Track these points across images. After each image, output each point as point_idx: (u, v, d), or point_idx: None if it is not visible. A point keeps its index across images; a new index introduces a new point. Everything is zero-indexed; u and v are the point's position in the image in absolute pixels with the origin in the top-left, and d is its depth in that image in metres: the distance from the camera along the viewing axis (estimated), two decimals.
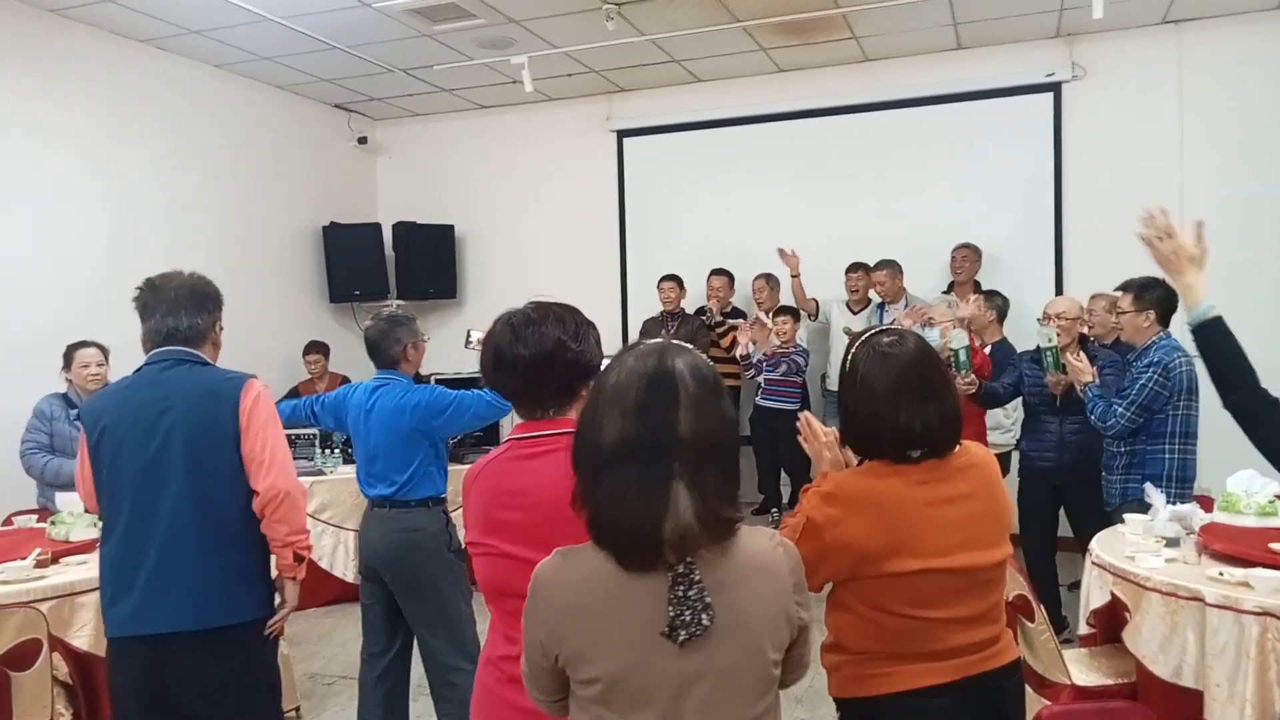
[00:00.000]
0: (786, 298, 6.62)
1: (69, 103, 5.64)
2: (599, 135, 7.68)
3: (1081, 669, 3.11)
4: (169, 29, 5.88)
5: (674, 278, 6.84)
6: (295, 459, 2.74)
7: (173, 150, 6.35)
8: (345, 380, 6.90)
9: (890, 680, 1.82)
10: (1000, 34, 6.38)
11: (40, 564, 3.18)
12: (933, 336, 5.10)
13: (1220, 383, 2.20)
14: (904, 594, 1.80)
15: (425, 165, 8.24)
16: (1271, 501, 3.25)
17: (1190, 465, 3.85)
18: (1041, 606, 3.01)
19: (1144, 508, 3.52)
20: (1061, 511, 4.61)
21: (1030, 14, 6.03)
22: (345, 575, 5.57)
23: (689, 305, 6.92)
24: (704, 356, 1.45)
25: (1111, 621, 3.10)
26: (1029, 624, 2.96)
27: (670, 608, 1.32)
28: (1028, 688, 2.58)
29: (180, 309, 2.51)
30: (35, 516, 4.12)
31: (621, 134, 7.66)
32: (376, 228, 7.84)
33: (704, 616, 1.32)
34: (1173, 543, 3.11)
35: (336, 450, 5.96)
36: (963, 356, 4.57)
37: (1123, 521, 3.48)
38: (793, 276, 6.50)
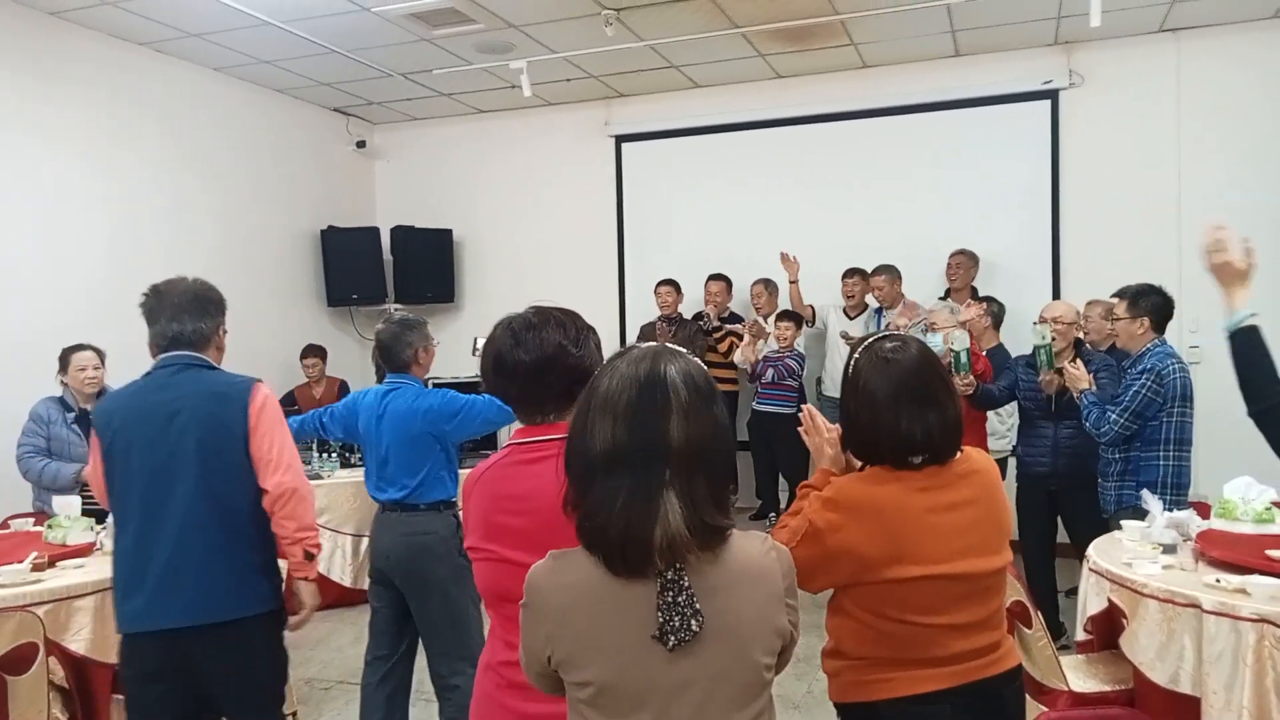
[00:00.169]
0: (784, 303, 6.63)
1: (68, 105, 5.64)
2: (597, 140, 7.69)
3: (1079, 675, 3.11)
4: (168, 32, 5.88)
5: (671, 282, 6.85)
6: None
7: (172, 153, 6.35)
8: (343, 384, 6.90)
9: (890, 686, 1.82)
10: (998, 41, 6.40)
11: (37, 567, 3.16)
12: (935, 342, 5.11)
13: (1247, 390, 2.22)
14: (905, 600, 1.80)
15: (424, 169, 8.24)
16: (1268, 508, 3.26)
17: (1185, 472, 3.86)
18: (1039, 613, 3.01)
19: (1139, 514, 3.53)
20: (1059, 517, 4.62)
21: (1028, 21, 6.05)
22: (343, 579, 5.57)
23: (686, 310, 6.93)
24: (698, 361, 1.45)
25: (1109, 628, 3.10)
26: (1026, 630, 2.96)
27: (659, 613, 1.32)
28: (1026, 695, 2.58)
29: (185, 314, 2.59)
30: (32, 520, 4.11)
31: (620, 139, 7.67)
32: (375, 232, 7.84)
33: (693, 622, 1.32)
34: (1170, 549, 3.11)
35: (334, 454, 5.96)
36: (964, 358, 4.58)
37: (1119, 528, 3.49)
38: (791, 282, 6.51)
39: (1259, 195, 6.04)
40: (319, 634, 5.10)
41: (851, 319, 6.44)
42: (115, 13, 5.51)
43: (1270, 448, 2.20)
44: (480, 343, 3.88)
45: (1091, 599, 3.19)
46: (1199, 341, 6.07)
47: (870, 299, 6.40)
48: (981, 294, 5.93)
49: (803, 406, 2.21)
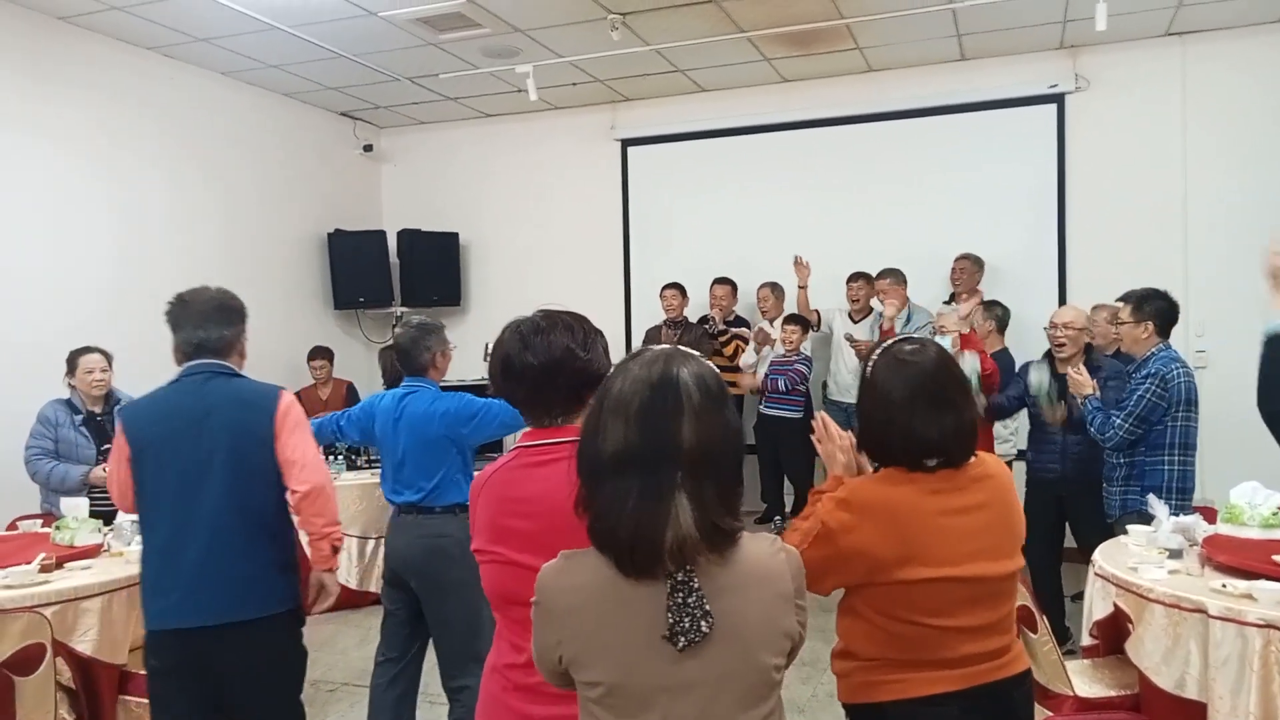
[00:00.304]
0: (790, 306, 6.63)
1: (76, 108, 5.67)
2: (603, 144, 7.70)
3: (1084, 680, 3.11)
4: (176, 36, 5.90)
5: (677, 286, 6.86)
6: None
7: (179, 157, 6.37)
8: (350, 386, 6.91)
9: (899, 687, 1.83)
10: (1004, 45, 6.40)
11: (45, 569, 3.18)
12: (943, 345, 5.11)
13: (1266, 389, 2.29)
14: (915, 602, 1.80)
15: (430, 173, 8.26)
16: (1275, 513, 3.25)
17: (1189, 476, 3.86)
18: (1044, 617, 3.01)
19: (1144, 519, 3.53)
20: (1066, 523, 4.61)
21: (1034, 25, 6.05)
22: (348, 582, 5.57)
23: (692, 313, 6.93)
24: (710, 364, 1.45)
25: (1114, 633, 3.09)
26: (1031, 635, 2.95)
27: (670, 614, 1.33)
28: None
29: (210, 321, 2.69)
30: (40, 521, 4.13)
31: (626, 143, 7.68)
32: (381, 235, 7.86)
33: (703, 623, 1.32)
34: (1176, 554, 3.11)
35: (340, 457, 5.98)
36: (975, 382, 4.57)
37: (1125, 533, 3.48)
38: (800, 287, 6.52)
39: (1265, 198, 6.02)
40: (324, 636, 5.11)
41: (856, 323, 6.44)
42: (123, 17, 5.54)
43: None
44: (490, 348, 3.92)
45: (1097, 604, 3.19)
46: (1205, 346, 6.06)
47: (875, 303, 6.39)
48: (986, 298, 5.93)
49: (816, 414, 2.21)
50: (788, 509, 6.60)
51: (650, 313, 7.22)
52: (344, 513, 5.52)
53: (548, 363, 1.77)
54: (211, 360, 2.68)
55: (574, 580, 1.40)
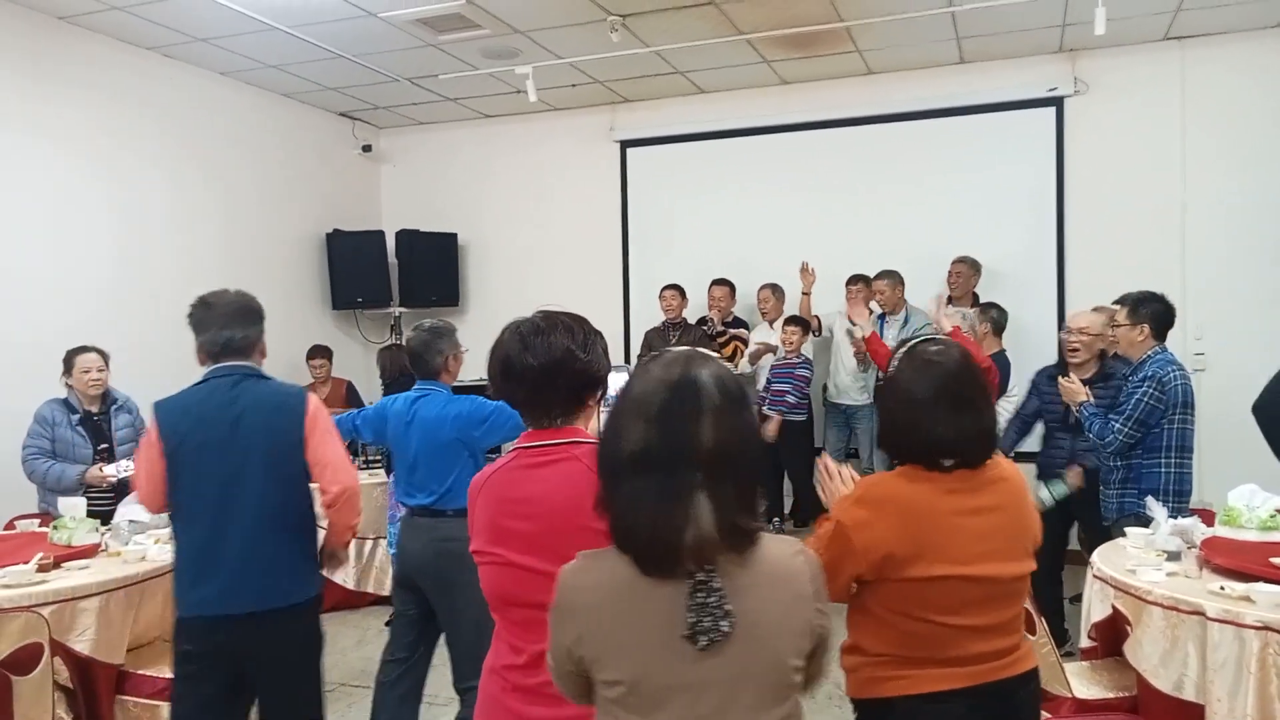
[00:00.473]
0: (790, 308, 6.63)
1: (75, 108, 5.66)
2: (603, 145, 7.70)
3: (1082, 682, 3.11)
4: (176, 36, 5.90)
5: (676, 287, 6.86)
6: None
7: (178, 157, 6.37)
8: (349, 385, 6.91)
9: (907, 683, 1.85)
10: (1003, 48, 6.41)
11: (42, 568, 3.18)
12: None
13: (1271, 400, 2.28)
14: (926, 599, 1.83)
15: (429, 173, 8.26)
16: (1273, 516, 3.25)
17: (1186, 479, 3.85)
18: (1043, 619, 3.01)
19: (1141, 521, 3.53)
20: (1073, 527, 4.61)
21: (1033, 29, 6.05)
22: (345, 583, 5.58)
23: (691, 315, 6.93)
24: (729, 366, 1.46)
25: (1113, 635, 3.10)
26: (1030, 636, 2.95)
27: (690, 613, 1.33)
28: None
29: (234, 322, 2.82)
30: (37, 521, 4.12)
31: (625, 144, 7.67)
32: (380, 235, 7.86)
33: (724, 623, 1.33)
34: (1174, 556, 3.11)
35: None
36: None
37: (1122, 535, 3.48)
38: (804, 293, 6.52)
39: (1263, 202, 6.05)
40: None
41: (855, 325, 6.44)
42: (123, 17, 5.53)
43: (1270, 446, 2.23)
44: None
45: (1096, 606, 3.19)
46: (1204, 349, 6.07)
47: (874, 305, 6.39)
48: (985, 300, 5.93)
49: (817, 460, 2.24)
50: (787, 509, 6.60)
51: (649, 314, 7.22)
52: None
53: (548, 364, 1.78)
54: (238, 362, 2.80)
55: (594, 579, 1.42)
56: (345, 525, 2.92)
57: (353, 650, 4.96)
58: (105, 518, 3.82)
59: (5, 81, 5.27)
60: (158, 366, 5.41)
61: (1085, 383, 4.30)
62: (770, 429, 6.09)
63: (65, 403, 4.50)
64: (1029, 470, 4.85)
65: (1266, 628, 2.56)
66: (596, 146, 7.71)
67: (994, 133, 6.67)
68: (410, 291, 7.85)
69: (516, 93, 6.95)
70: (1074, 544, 4.68)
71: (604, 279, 7.68)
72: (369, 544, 5.81)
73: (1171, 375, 3.77)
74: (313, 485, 2.83)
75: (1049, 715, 2.97)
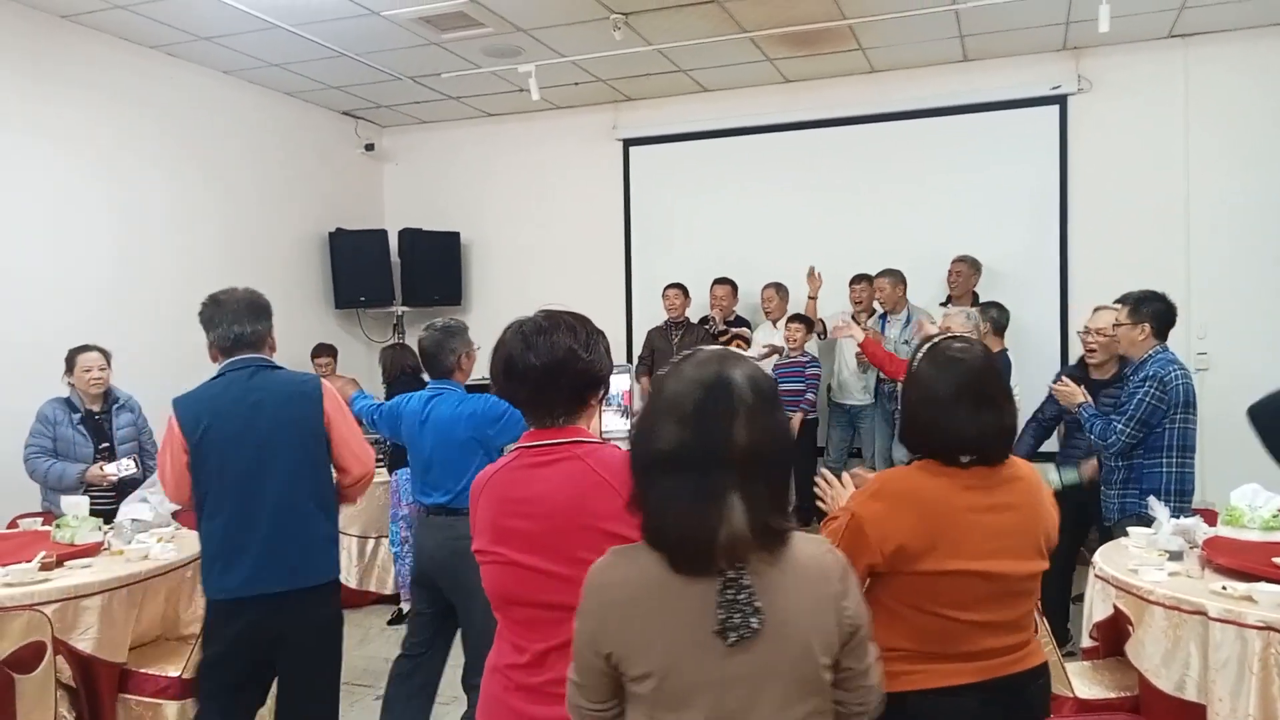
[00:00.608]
0: (794, 307, 6.62)
1: (78, 107, 5.66)
2: (605, 144, 7.70)
3: (1084, 682, 3.11)
4: (179, 35, 5.91)
5: (679, 286, 6.86)
6: None
7: (181, 155, 6.37)
8: (355, 384, 6.89)
9: (920, 678, 1.88)
10: (1006, 46, 6.40)
11: (45, 567, 3.17)
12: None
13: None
14: (938, 593, 1.86)
15: (432, 172, 8.26)
16: (1275, 516, 3.25)
17: (1189, 479, 3.84)
18: (1044, 619, 3.01)
19: (1143, 522, 3.52)
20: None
21: (1036, 27, 6.04)
22: (347, 581, 5.58)
23: (693, 314, 6.93)
24: (762, 367, 1.47)
25: (1114, 634, 3.09)
26: None
27: (720, 610, 1.35)
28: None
29: (244, 317, 2.92)
30: (40, 519, 4.13)
31: (627, 143, 7.67)
32: (383, 234, 7.86)
33: (753, 620, 1.34)
34: (1176, 556, 3.11)
35: None
36: None
37: (1125, 535, 3.48)
38: (810, 297, 6.52)
39: (1267, 200, 6.03)
40: None
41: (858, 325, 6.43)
42: (126, 16, 5.54)
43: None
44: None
45: (1097, 605, 3.19)
46: (1207, 348, 6.06)
47: (877, 305, 6.39)
48: (987, 299, 5.91)
49: (815, 477, 2.27)
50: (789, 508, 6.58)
51: (652, 313, 7.22)
52: (344, 513, 5.55)
53: (550, 363, 1.78)
54: (251, 354, 2.90)
55: (624, 575, 1.43)
56: (350, 503, 3.15)
57: (355, 649, 4.96)
58: (108, 516, 3.82)
59: (6, 80, 5.27)
60: (159, 366, 5.44)
61: (1105, 383, 4.29)
62: (792, 427, 6.12)
63: (67, 402, 4.50)
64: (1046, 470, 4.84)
65: (1269, 628, 2.55)
66: (599, 145, 7.70)
67: (997, 131, 6.66)
68: (413, 290, 7.85)
69: (519, 91, 6.95)
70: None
71: (606, 278, 7.67)
72: (371, 543, 5.82)
73: (1173, 375, 3.76)
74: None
75: (1051, 715, 2.97)
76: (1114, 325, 4.08)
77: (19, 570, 3.09)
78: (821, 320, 6.57)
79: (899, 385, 5.92)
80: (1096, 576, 3.22)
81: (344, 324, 7.90)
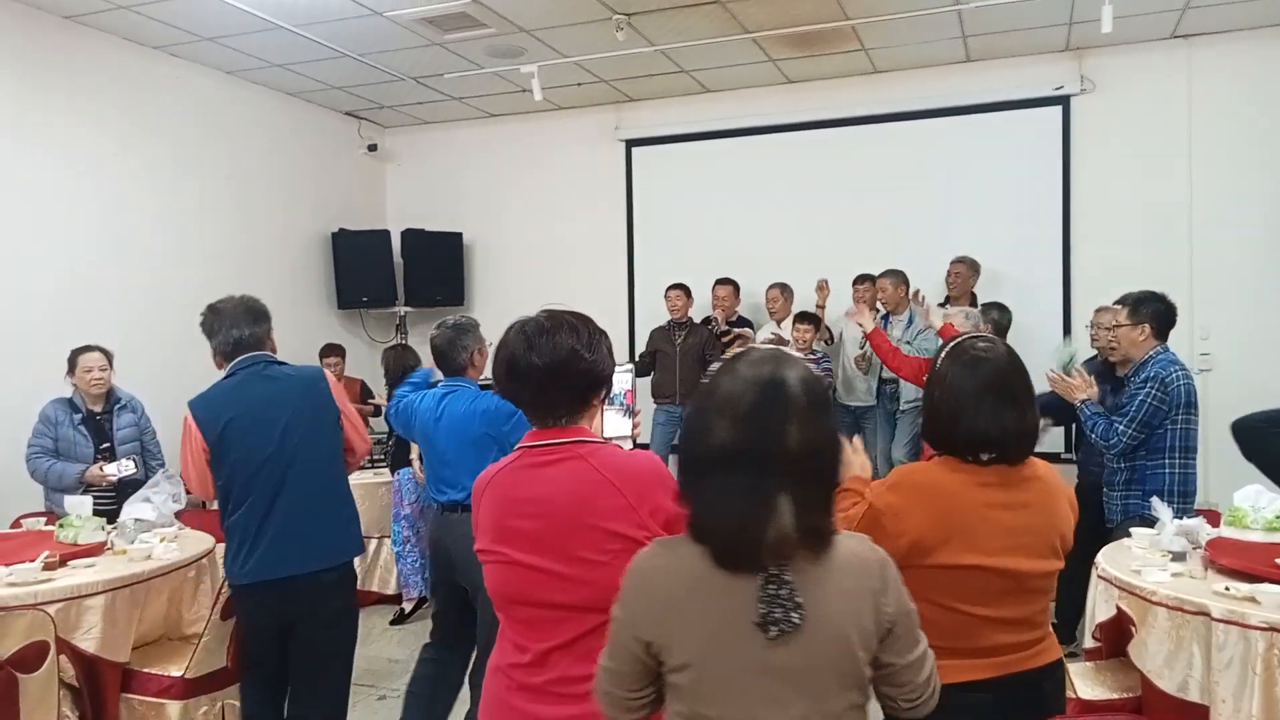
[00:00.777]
0: (798, 306, 6.61)
1: (79, 107, 5.67)
2: (608, 144, 7.70)
3: (1086, 683, 3.10)
4: (182, 36, 5.91)
5: (681, 286, 6.85)
6: None
7: (183, 156, 6.37)
8: (363, 384, 6.91)
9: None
10: (1009, 47, 6.39)
11: (48, 566, 3.18)
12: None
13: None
14: (952, 587, 1.88)
15: (434, 173, 8.26)
16: (1278, 516, 3.24)
17: (1191, 480, 3.83)
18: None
19: (1146, 523, 3.51)
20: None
21: (1039, 27, 6.04)
22: None
23: (696, 314, 6.92)
24: (814, 369, 1.47)
25: (1117, 635, 3.09)
26: None
27: (762, 604, 1.36)
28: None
29: (241, 322, 3.07)
30: (43, 519, 4.14)
31: (630, 143, 7.67)
32: (385, 234, 7.86)
33: (794, 615, 1.36)
34: (1179, 557, 3.10)
35: None
36: None
37: (1128, 536, 3.47)
38: (818, 307, 6.51)
39: (1270, 202, 6.03)
40: None
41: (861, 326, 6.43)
42: (130, 16, 5.54)
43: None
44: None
45: (1100, 606, 3.18)
46: (1210, 349, 6.05)
47: (879, 304, 6.38)
48: (990, 300, 5.91)
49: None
50: None
51: (654, 313, 7.21)
52: None
53: (553, 364, 1.78)
54: (259, 353, 3.07)
55: (669, 565, 1.44)
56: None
57: (358, 649, 4.94)
58: (108, 517, 3.82)
59: (10, 82, 5.28)
60: (162, 366, 5.45)
61: (1123, 380, 4.24)
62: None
63: (69, 402, 4.52)
64: (1067, 471, 4.81)
65: (1272, 628, 2.55)
66: (601, 145, 7.71)
67: (1000, 132, 6.65)
68: (415, 291, 7.86)
69: (522, 92, 6.95)
70: None
71: (609, 278, 7.67)
72: (374, 543, 5.82)
73: (1174, 375, 3.75)
74: None
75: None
76: (1114, 326, 4.07)
77: (22, 570, 3.09)
78: (828, 327, 6.57)
79: (900, 386, 6.00)
80: (1099, 577, 3.21)
81: (346, 324, 7.90)
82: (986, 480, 1.93)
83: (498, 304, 7.68)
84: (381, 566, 5.88)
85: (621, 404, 2.60)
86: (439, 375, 3.71)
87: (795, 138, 7.15)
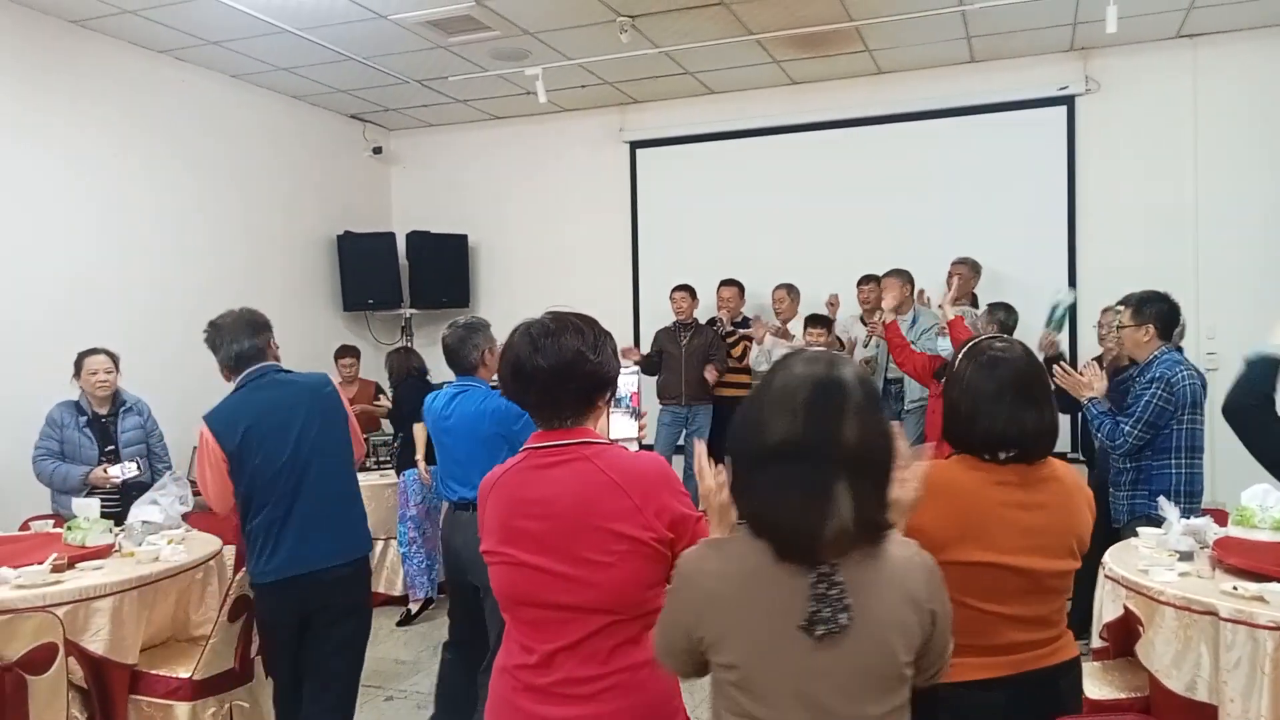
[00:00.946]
0: (805, 308, 6.60)
1: (84, 111, 5.68)
2: (612, 146, 7.71)
3: (1094, 682, 3.09)
4: (188, 40, 5.93)
5: (686, 288, 6.85)
6: None
7: (188, 159, 6.39)
8: (377, 386, 6.92)
9: (951, 671, 1.88)
10: (1014, 47, 6.39)
11: (56, 569, 3.19)
12: (944, 346, 5.11)
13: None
14: (967, 583, 1.87)
15: (439, 175, 8.28)
16: None
17: (1197, 479, 3.82)
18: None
19: (1152, 523, 3.50)
20: None
21: (1044, 27, 6.03)
22: None
23: (701, 315, 6.93)
24: (866, 369, 1.50)
25: (1124, 635, 3.08)
26: None
27: (810, 603, 1.38)
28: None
29: (241, 334, 3.18)
30: (51, 522, 4.15)
31: (635, 145, 7.68)
32: (390, 237, 7.87)
33: (842, 615, 1.38)
34: (1186, 557, 3.09)
35: None
36: None
37: (1135, 535, 3.47)
38: (830, 320, 6.51)
39: (1276, 201, 6.01)
40: None
41: (867, 325, 6.42)
42: (135, 21, 5.56)
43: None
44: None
45: (1107, 606, 3.18)
46: (1216, 349, 6.03)
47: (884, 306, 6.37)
48: (993, 301, 5.89)
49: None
50: None
51: (659, 314, 7.21)
52: None
53: (558, 365, 1.78)
54: (268, 363, 3.20)
55: (720, 564, 1.47)
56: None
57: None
58: (117, 519, 3.84)
59: (15, 85, 5.30)
60: (165, 368, 5.47)
61: (1124, 380, 4.22)
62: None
63: (75, 404, 4.53)
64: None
65: None
66: (606, 147, 7.72)
67: (1005, 132, 6.65)
68: (421, 293, 7.87)
69: (526, 94, 6.96)
70: None
71: (614, 280, 7.68)
72: (379, 544, 5.82)
73: (1180, 376, 3.74)
74: None
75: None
76: (1118, 327, 4.05)
77: (31, 572, 3.10)
78: (838, 337, 6.56)
79: (905, 386, 5.98)
80: (1107, 577, 3.21)
81: (352, 326, 7.92)
82: (1004, 479, 1.94)
83: (503, 306, 7.68)
84: (388, 568, 5.88)
85: (628, 406, 2.60)
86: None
87: (799, 139, 7.15)
